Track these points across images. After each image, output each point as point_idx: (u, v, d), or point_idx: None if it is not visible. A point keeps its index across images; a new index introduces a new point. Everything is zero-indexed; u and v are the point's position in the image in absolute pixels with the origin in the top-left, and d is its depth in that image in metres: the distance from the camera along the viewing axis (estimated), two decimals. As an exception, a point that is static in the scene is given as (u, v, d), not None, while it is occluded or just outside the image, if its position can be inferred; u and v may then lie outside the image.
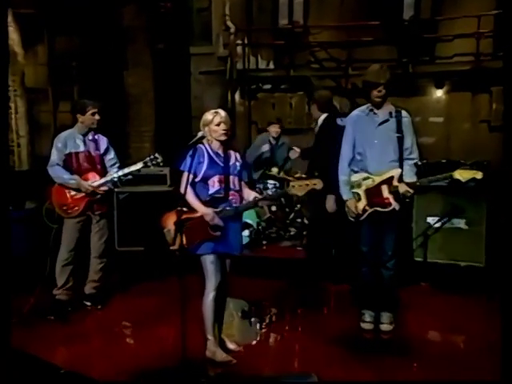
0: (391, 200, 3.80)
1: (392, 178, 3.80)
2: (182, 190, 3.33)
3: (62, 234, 4.42)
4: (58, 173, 4.37)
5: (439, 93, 8.34)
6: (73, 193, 4.37)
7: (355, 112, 4.02)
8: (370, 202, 3.87)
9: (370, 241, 3.94)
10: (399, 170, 3.80)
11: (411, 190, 3.75)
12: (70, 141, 4.44)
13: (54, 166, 4.39)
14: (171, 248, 3.39)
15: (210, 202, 3.46)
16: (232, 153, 3.60)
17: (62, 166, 4.39)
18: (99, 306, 4.55)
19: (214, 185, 3.48)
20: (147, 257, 5.65)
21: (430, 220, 5.14)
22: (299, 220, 6.41)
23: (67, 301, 4.42)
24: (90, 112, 4.39)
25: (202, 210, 3.43)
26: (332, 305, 4.81)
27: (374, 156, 3.84)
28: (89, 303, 4.56)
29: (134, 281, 5.21)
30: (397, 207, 3.83)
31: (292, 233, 6.43)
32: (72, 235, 4.39)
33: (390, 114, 3.86)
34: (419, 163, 3.92)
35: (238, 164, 3.59)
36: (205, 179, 3.48)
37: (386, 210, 3.81)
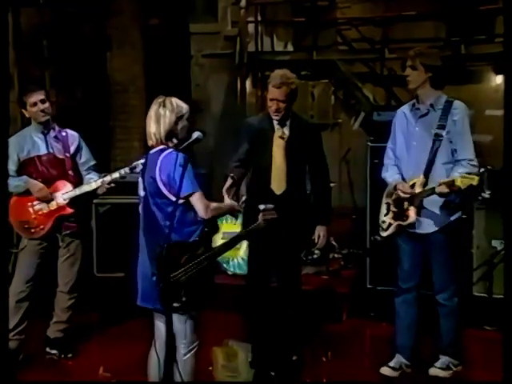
0: (410, 212, 3.72)
1: (413, 185, 3.74)
2: (204, 212, 3.00)
3: (18, 260, 4.18)
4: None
5: (499, 79, 8.02)
6: (37, 207, 4.08)
7: (401, 108, 3.99)
8: (394, 214, 3.85)
9: (405, 263, 3.88)
10: (423, 179, 3.68)
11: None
12: (27, 142, 4.15)
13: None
14: None
15: None
16: None
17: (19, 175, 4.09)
18: (70, 355, 4.27)
19: None
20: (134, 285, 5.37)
21: (497, 244, 4.85)
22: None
23: (18, 348, 4.06)
24: (31, 102, 4.03)
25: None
26: (367, 352, 4.70)
27: (411, 160, 3.79)
28: (55, 351, 4.26)
29: (116, 318, 4.98)
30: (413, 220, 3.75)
31: (315, 256, 6.13)
32: (31, 261, 4.12)
33: (432, 105, 3.74)
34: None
35: None
36: None
37: (405, 223, 3.76)
